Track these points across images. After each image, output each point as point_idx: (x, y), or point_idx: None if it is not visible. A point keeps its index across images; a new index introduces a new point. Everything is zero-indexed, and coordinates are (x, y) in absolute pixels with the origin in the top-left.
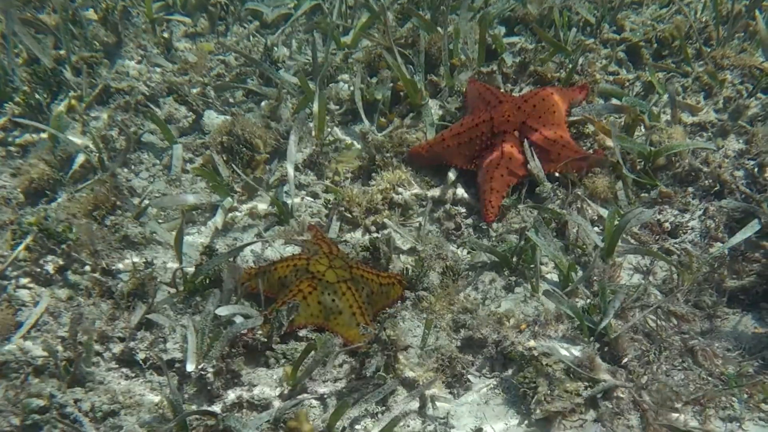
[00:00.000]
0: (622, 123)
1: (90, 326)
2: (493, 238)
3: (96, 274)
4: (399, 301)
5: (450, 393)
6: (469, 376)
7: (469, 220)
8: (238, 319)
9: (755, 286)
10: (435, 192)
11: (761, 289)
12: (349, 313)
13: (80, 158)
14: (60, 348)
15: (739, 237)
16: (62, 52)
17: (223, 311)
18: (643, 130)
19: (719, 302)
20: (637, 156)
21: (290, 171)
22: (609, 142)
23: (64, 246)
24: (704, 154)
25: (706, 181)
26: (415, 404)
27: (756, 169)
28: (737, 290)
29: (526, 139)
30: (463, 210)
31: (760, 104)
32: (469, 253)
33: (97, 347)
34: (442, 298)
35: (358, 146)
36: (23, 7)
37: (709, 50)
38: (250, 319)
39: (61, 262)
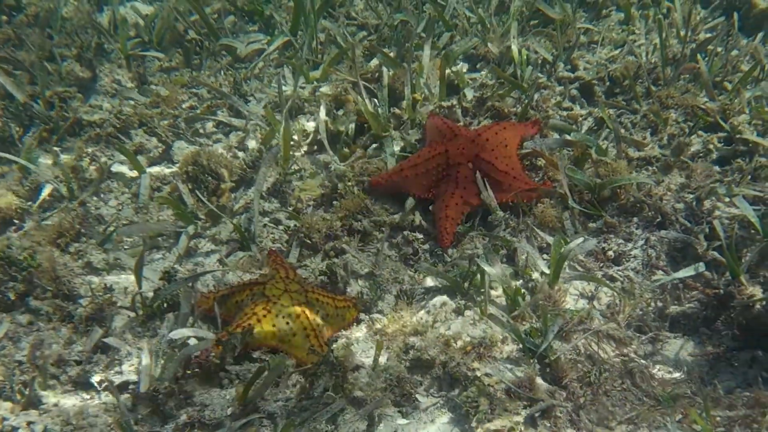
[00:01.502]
0: (572, 156)
1: (47, 351)
2: (448, 263)
3: (57, 300)
4: (354, 324)
5: (398, 412)
6: (417, 396)
7: (426, 246)
8: (192, 342)
9: (696, 312)
10: (394, 219)
11: (701, 315)
12: (302, 336)
13: (47, 188)
14: (17, 372)
15: (682, 273)
16: (37, 88)
17: (176, 334)
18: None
19: (661, 327)
20: (584, 188)
21: (256, 201)
22: (558, 175)
23: (24, 273)
24: (647, 187)
25: (649, 213)
26: (364, 424)
27: (694, 203)
28: (679, 316)
29: (479, 171)
30: (420, 236)
31: (702, 141)
32: (423, 277)
33: (53, 370)
34: (396, 321)
35: (322, 175)
36: (1, 45)
37: (656, 90)
38: (202, 341)
39: (22, 288)
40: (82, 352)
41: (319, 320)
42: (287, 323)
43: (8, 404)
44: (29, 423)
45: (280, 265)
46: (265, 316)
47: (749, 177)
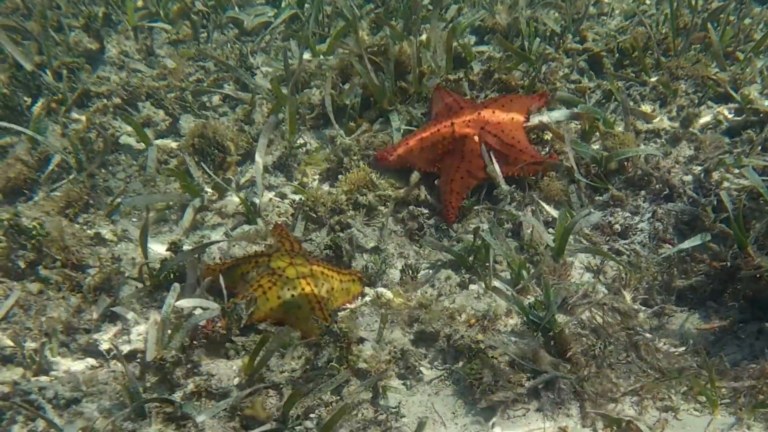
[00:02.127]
0: (579, 129)
1: (55, 317)
2: (453, 238)
3: (66, 269)
4: (359, 297)
5: (403, 384)
6: (421, 368)
7: (432, 221)
8: (198, 312)
9: (702, 286)
10: (399, 193)
11: (708, 288)
12: (307, 308)
13: (56, 159)
14: (28, 339)
15: (688, 244)
16: (45, 57)
17: (183, 303)
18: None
19: (667, 300)
20: (590, 161)
21: (258, 173)
22: (564, 148)
23: (34, 241)
24: (656, 159)
25: (657, 185)
26: (368, 394)
27: (702, 175)
28: (686, 289)
29: (484, 144)
30: (425, 211)
31: (712, 113)
32: (428, 252)
33: (63, 338)
34: (401, 295)
35: (327, 149)
36: (9, 14)
37: (666, 60)
38: (208, 311)
39: (32, 257)
40: (90, 321)
41: (323, 293)
42: (292, 295)
43: (20, 370)
44: (40, 388)
45: (285, 238)
46: (270, 288)
47: (759, 148)
